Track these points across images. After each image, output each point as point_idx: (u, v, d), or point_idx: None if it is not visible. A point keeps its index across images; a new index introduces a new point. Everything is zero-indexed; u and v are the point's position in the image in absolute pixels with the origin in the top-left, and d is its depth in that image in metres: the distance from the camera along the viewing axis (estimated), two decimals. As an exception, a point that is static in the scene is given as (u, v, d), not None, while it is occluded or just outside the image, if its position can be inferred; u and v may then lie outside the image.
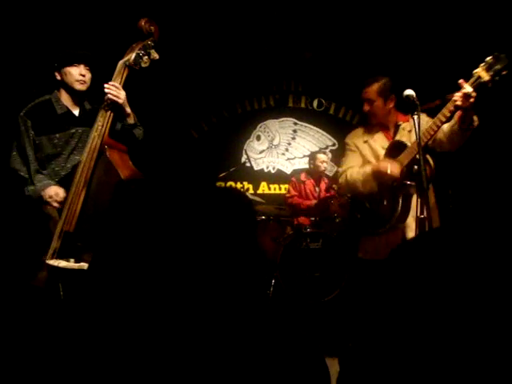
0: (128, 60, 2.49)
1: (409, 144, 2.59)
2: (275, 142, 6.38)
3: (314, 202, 4.99)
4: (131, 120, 2.65)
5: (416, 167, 2.43)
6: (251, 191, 6.12)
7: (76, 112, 2.79)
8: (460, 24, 4.78)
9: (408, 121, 2.73)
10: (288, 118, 6.38)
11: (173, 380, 0.82)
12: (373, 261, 2.72)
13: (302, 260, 4.60)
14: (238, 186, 6.21)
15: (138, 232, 0.91)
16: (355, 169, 2.80)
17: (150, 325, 0.86)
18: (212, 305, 0.87)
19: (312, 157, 5.27)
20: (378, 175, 2.64)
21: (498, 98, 3.98)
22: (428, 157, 2.55)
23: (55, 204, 2.59)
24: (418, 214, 2.37)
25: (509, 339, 0.65)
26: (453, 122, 2.46)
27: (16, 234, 3.56)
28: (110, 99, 2.47)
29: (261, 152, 6.36)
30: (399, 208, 2.60)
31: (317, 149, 6.08)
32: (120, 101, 2.50)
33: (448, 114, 2.38)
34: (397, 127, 2.82)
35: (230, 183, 6.09)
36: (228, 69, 5.90)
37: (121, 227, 0.95)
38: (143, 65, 2.50)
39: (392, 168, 2.56)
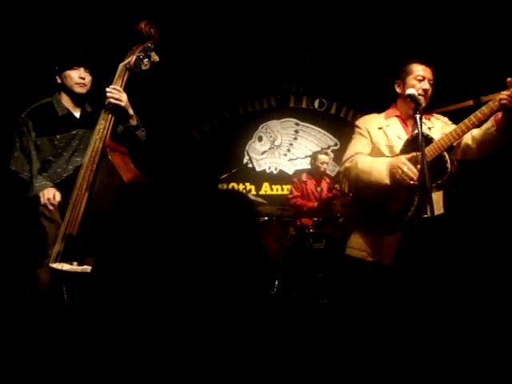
0: (128, 63, 2.49)
1: (435, 139, 2.37)
2: (277, 143, 6.37)
3: (316, 203, 4.99)
4: (134, 121, 2.67)
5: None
6: (253, 192, 6.12)
7: (77, 114, 2.80)
8: (464, 25, 4.78)
9: (429, 119, 2.57)
10: (289, 119, 6.38)
11: (174, 378, 0.82)
12: (361, 261, 2.52)
13: (305, 261, 4.59)
14: (241, 187, 6.21)
15: (140, 234, 0.91)
16: (367, 157, 2.52)
17: (153, 326, 0.86)
18: (216, 306, 0.87)
19: (313, 157, 5.27)
20: (396, 172, 2.35)
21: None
22: (452, 156, 2.36)
23: (50, 207, 2.60)
24: (424, 214, 2.27)
25: None
26: (487, 126, 2.30)
27: (18, 237, 3.57)
28: (112, 103, 2.48)
29: (263, 153, 6.36)
30: (414, 207, 2.35)
31: (319, 149, 6.07)
32: (122, 104, 2.51)
33: (488, 114, 2.23)
34: (415, 120, 2.49)
35: (232, 184, 6.09)
36: (229, 70, 5.90)
37: (124, 230, 0.95)
38: (144, 67, 2.51)
39: (411, 171, 2.31)
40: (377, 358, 2.42)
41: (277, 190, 6.29)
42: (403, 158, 2.34)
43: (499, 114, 2.24)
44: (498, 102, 2.18)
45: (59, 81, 2.76)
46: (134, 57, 2.49)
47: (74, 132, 2.76)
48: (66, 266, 2.38)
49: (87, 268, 2.33)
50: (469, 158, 2.45)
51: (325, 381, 2.34)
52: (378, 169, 2.40)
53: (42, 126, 2.71)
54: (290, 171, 6.33)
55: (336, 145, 6.33)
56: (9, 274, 3.56)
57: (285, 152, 6.39)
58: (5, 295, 3.25)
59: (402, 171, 2.30)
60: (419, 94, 2.43)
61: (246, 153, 6.17)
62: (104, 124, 2.48)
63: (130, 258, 0.92)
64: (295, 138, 6.39)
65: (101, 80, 2.75)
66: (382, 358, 2.39)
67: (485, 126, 2.31)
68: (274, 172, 6.36)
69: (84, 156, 2.52)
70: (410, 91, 2.39)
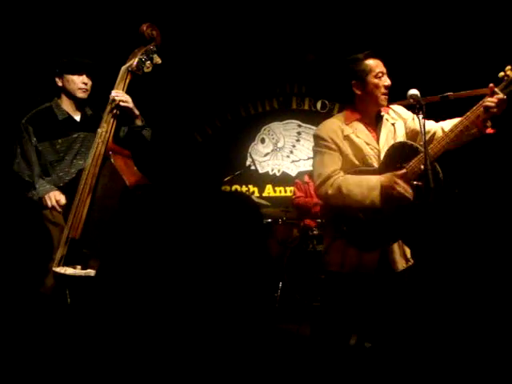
0: (131, 65, 2.49)
1: (420, 148, 2.20)
2: (280, 145, 6.36)
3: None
4: (139, 122, 2.67)
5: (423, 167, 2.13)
6: (256, 194, 6.11)
7: (77, 117, 2.80)
8: (463, 27, 4.77)
9: (388, 112, 2.42)
10: (292, 121, 6.37)
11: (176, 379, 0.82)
12: (337, 273, 2.37)
13: (308, 262, 4.58)
14: (244, 189, 6.20)
15: (144, 238, 0.90)
16: (349, 179, 2.29)
17: (157, 330, 0.85)
18: (221, 308, 0.86)
19: None
20: (389, 192, 2.20)
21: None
22: (437, 165, 2.22)
23: (58, 209, 2.60)
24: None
25: None
26: (467, 116, 2.22)
27: (22, 241, 3.57)
28: (122, 106, 2.49)
29: (265, 155, 6.35)
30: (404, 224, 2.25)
31: (321, 150, 6.05)
32: (130, 105, 2.53)
33: (474, 120, 2.18)
34: (379, 118, 2.42)
35: (236, 187, 6.08)
36: (231, 72, 5.90)
37: (128, 234, 0.94)
38: (146, 70, 2.51)
39: (406, 191, 2.18)
40: (377, 359, 2.41)
41: (280, 191, 6.28)
42: (395, 177, 2.20)
43: (480, 117, 2.20)
44: (483, 108, 2.16)
45: (60, 83, 2.75)
46: (136, 59, 2.49)
47: (75, 135, 2.76)
48: (69, 270, 2.37)
49: (90, 272, 2.32)
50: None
51: (326, 382, 2.34)
52: (369, 195, 2.22)
53: (43, 131, 2.71)
54: (293, 173, 6.32)
55: (339, 146, 6.32)
56: (12, 277, 3.56)
57: (287, 154, 6.38)
58: (9, 298, 3.25)
59: (398, 192, 2.17)
60: (382, 94, 2.33)
61: (248, 155, 6.15)
62: (106, 127, 2.47)
63: (134, 261, 0.91)
64: (298, 140, 6.37)
65: (101, 82, 2.75)
66: (383, 359, 2.39)
67: (460, 125, 2.22)
68: (277, 174, 6.35)
69: (86, 159, 2.52)
70: (412, 92, 2.23)
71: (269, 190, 6.27)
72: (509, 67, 2.18)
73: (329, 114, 6.32)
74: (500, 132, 2.25)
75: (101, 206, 2.40)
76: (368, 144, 2.35)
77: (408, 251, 2.39)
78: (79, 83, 2.73)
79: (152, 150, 2.87)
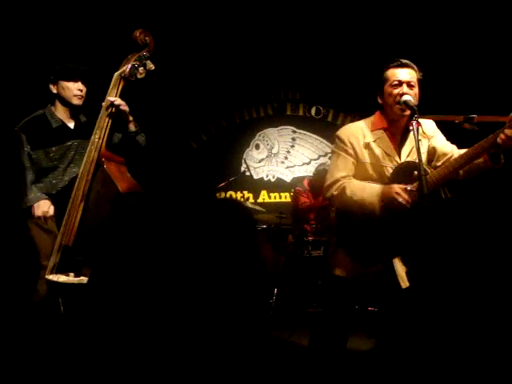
0: (123, 72, 2.49)
1: (428, 170, 2.19)
2: (274, 151, 6.37)
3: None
4: (133, 127, 2.65)
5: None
6: (251, 200, 6.10)
7: (71, 125, 2.79)
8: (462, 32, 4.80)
9: (417, 127, 2.22)
10: (286, 126, 6.37)
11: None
12: (341, 278, 2.36)
13: (304, 268, 4.57)
14: (238, 195, 6.19)
15: (136, 244, 0.89)
16: (355, 183, 2.30)
17: (150, 338, 0.84)
18: (215, 315, 0.85)
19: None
20: (389, 198, 2.19)
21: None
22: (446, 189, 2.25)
23: (43, 220, 2.60)
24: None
25: None
26: (475, 148, 2.16)
27: (15, 249, 3.55)
28: (122, 109, 2.49)
29: (260, 161, 6.35)
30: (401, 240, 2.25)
31: (316, 156, 6.07)
32: (127, 108, 2.53)
33: (488, 148, 2.10)
34: (406, 132, 2.36)
35: (230, 193, 6.07)
36: (226, 78, 5.91)
37: (120, 241, 0.93)
38: (139, 76, 2.50)
39: (404, 200, 2.16)
40: (378, 362, 2.41)
41: (275, 197, 6.27)
42: (397, 187, 2.19)
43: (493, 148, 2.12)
44: (497, 138, 2.08)
45: (54, 90, 2.74)
46: (129, 65, 2.48)
47: (69, 143, 2.75)
48: (62, 278, 2.36)
49: (83, 279, 2.30)
50: (453, 179, 2.29)
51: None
52: (370, 200, 2.23)
53: (37, 139, 2.70)
54: (288, 179, 6.32)
55: (333, 152, 6.32)
56: (4, 285, 3.53)
57: (282, 160, 6.38)
58: (1, 307, 3.22)
59: (398, 202, 2.16)
60: (396, 102, 2.26)
61: (243, 161, 6.15)
62: (99, 134, 2.46)
63: (126, 267, 0.90)
64: (292, 146, 6.38)
65: (94, 89, 2.74)
66: (383, 362, 2.38)
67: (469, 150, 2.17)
68: (272, 180, 6.35)
69: (80, 167, 2.51)
70: (405, 98, 2.22)
71: (264, 196, 6.26)
72: None
73: (323, 120, 6.34)
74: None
75: (94, 213, 2.39)
76: (388, 155, 2.32)
77: None
78: (74, 90, 2.71)
79: (146, 156, 2.86)
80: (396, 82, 2.29)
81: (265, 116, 6.37)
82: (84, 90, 2.75)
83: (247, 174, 5.63)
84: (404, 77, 2.29)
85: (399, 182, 2.24)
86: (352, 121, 6.10)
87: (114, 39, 4.09)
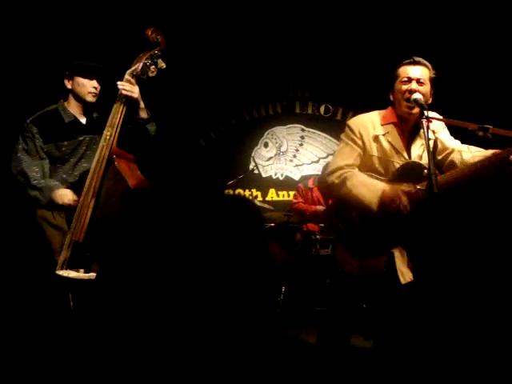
0: (135, 70, 2.50)
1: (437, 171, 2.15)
2: (283, 149, 6.37)
3: (320, 207, 4.93)
4: (145, 114, 2.64)
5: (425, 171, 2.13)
6: (260, 198, 6.11)
7: (83, 120, 2.80)
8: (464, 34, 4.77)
9: (429, 126, 2.19)
10: (295, 125, 6.37)
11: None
12: (350, 275, 2.37)
13: (311, 266, 4.57)
14: (247, 193, 6.20)
15: (145, 241, 0.91)
16: (357, 176, 2.28)
17: (159, 334, 0.85)
18: (223, 314, 0.86)
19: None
20: (388, 201, 2.19)
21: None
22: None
23: (73, 203, 2.53)
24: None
25: None
26: (483, 161, 2.13)
27: (24, 245, 3.57)
28: (124, 94, 2.48)
29: (269, 159, 6.35)
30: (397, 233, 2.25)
31: (325, 155, 6.06)
32: (135, 95, 2.51)
33: (497, 164, 2.06)
34: (416, 129, 2.36)
35: (239, 191, 6.08)
36: (235, 76, 5.92)
37: (128, 237, 0.94)
38: (150, 74, 2.52)
39: (403, 206, 2.15)
40: (379, 362, 2.41)
41: (283, 195, 6.28)
42: (400, 191, 2.17)
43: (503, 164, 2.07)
44: (507, 157, 2.04)
45: (69, 86, 2.75)
46: (141, 64, 2.50)
47: (81, 138, 2.76)
48: (72, 274, 2.38)
49: (93, 275, 2.32)
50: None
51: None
52: (369, 196, 2.21)
53: (49, 133, 2.71)
54: (296, 177, 6.32)
55: (342, 150, 6.31)
56: (14, 280, 3.57)
57: (291, 158, 6.38)
58: (10, 302, 3.25)
59: (397, 207, 2.15)
60: (404, 99, 2.27)
61: (251, 159, 6.16)
62: (111, 131, 2.48)
63: (134, 265, 0.91)
64: (301, 144, 6.38)
65: (107, 87, 2.75)
66: (385, 361, 2.39)
67: (480, 159, 2.15)
68: (280, 178, 6.35)
69: (90, 162, 2.53)
70: (415, 96, 2.22)
71: (272, 194, 6.27)
72: None
73: (332, 118, 6.33)
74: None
75: (104, 210, 2.41)
76: (396, 151, 2.32)
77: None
78: (89, 87, 2.73)
79: (155, 147, 2.86)
80: (405, 79, 2.30)
81: (273, 114, 6.36)
82: (98, 87, 2.77)
83: (256, 172, 5.64)
84: (414, 74, 2.29)
85: (405, 181, 2.23)
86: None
87: (125, 38, 4.11)
